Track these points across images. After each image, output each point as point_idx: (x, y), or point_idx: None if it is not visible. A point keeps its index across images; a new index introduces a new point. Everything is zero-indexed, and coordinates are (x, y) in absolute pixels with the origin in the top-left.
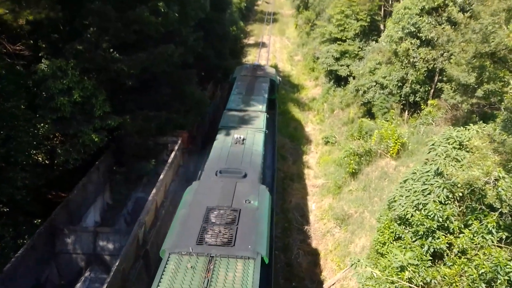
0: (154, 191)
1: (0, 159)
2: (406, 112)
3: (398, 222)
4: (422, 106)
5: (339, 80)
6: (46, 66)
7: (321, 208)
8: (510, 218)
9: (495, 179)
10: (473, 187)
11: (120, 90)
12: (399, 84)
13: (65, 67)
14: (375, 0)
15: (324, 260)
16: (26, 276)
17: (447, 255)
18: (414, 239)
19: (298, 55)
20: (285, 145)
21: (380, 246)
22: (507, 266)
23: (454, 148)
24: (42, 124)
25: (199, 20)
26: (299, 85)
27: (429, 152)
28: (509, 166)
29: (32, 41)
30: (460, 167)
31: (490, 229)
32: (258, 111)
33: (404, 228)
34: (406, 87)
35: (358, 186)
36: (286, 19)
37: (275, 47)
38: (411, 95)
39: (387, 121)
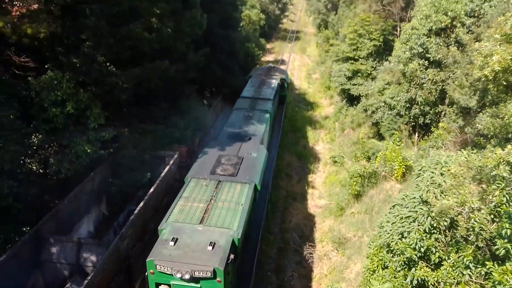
0: (141, 204)
1: None
2: (416, 134)
3: (386, 249)
4: (432, 129)
5: (352, 100)
6: (48, 77)
7: (322, 229)
8: (488, 253)
9: (469, 210)
10: (448, 217)
11: (118, 104)
12: (407, 105)
13: (60, 79)
14: (388, 20)
15: (317, 284)
16: (8, 283)
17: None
18: (399, 269)
19: (316, 73)
20: (292, 163)
21: (369, 274)
22: None
23: (442, 174)
24: (36, 134)
25: (206, 36)
26: (314, 103)
27: (417, 177)
28: (485, 196)
29: (37, 54)
30: (445, 195)
31: (467, 263)
32: (266, 99)
33: (392, 257)
34: (415, 108)
35: (361, 209)
36: (309, 38)
37: (294, 65)
38: (421, 116)
39: (393, 142)
